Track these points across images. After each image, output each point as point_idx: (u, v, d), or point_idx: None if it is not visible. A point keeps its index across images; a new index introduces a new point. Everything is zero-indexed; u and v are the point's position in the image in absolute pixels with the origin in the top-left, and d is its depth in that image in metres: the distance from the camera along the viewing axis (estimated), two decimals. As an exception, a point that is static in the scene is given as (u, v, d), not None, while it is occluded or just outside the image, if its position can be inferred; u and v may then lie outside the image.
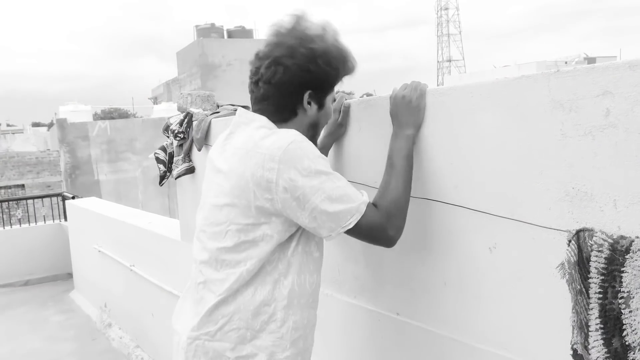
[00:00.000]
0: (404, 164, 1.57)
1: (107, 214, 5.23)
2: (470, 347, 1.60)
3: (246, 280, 1.49)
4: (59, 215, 7.96)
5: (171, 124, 3.24)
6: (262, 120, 1.55)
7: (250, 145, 1.48)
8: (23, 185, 25.62)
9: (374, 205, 1.50)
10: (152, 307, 4.16)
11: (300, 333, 1.55)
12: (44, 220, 7.95)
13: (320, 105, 1.58)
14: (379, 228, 1.48)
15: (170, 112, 20.57)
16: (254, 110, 1.60)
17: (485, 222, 1.52)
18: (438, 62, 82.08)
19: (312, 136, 1.60)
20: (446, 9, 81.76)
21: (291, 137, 1.44)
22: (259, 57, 1.56)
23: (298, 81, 1.51)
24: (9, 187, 25.40)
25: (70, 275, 7.28)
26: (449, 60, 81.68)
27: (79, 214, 6.29)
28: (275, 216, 1.46)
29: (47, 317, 6.03)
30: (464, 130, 1.56)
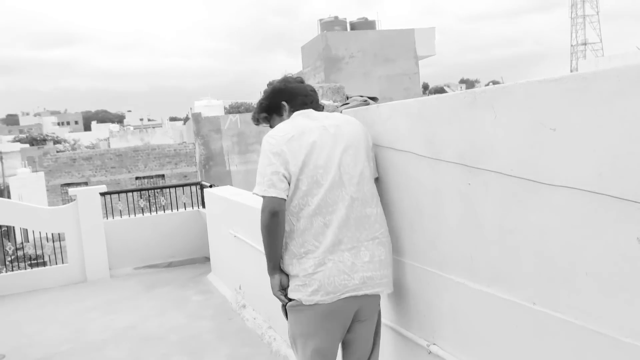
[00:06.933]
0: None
1: (242, 201, 5.54)
2: (617, 340, 1.54)
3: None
4: (197, 203, 8.56)
5: (304, 116, 3.40)
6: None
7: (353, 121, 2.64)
8: (163, 175, 27.77)
9: None
10: (284, 291, 4.37)
11: None
12: (184, 207, 8.59)
13: None
14: None
15: (295, 105, 21.04)
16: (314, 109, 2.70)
17: (633, 212, 1.46)
18: (572, 46, 76.94)
19: None
20: (582, -12, 76.25)
21: None
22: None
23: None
24: (151, 177, 27.66)
25: (207, 259, 7.82)
26: (584, 44, 76.24)
27: (215, 202, 6.73)
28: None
29: (188, 297, 6.54)
30: (609, 116, 1.50)
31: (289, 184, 2.39)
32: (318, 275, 2.36)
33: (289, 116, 2.64)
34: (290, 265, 2.44)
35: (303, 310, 2.43)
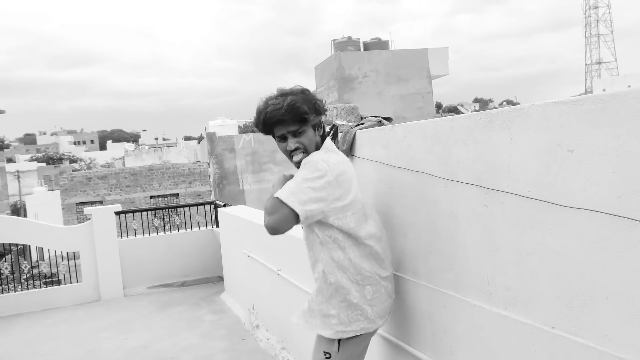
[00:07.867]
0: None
1: (256, 220, 5.54)
2: (638, 365, 1.51)
3: None
4: (211, 222, 8.57)
5: (318, 136, 3.40)
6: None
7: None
8: (177, 194, 27.91)
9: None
10: (298, 311, 4.34)
11: None
12: (199, 227, 8.61)
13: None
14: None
15: (309, 124, 21.22)
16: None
17: (654, 234, 1.43)
18: (586, 65, 76.75)
19: None
20: (596, 7, 76.28)
21: None
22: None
23: None
24: (166, 195, 27.81)
25: (220, 279, 7.81)
26: (599, 63, 76.03)
27: (229, 221, 6.73)
28: None
29: (201, 317, 6.52)
30: (628, 138, 1.49)
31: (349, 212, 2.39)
32: (375, 301, 2.44)
33: (320, 141, 2.50)
34: (349, 295, 2.40)
35: (361, 340, 2.47)
